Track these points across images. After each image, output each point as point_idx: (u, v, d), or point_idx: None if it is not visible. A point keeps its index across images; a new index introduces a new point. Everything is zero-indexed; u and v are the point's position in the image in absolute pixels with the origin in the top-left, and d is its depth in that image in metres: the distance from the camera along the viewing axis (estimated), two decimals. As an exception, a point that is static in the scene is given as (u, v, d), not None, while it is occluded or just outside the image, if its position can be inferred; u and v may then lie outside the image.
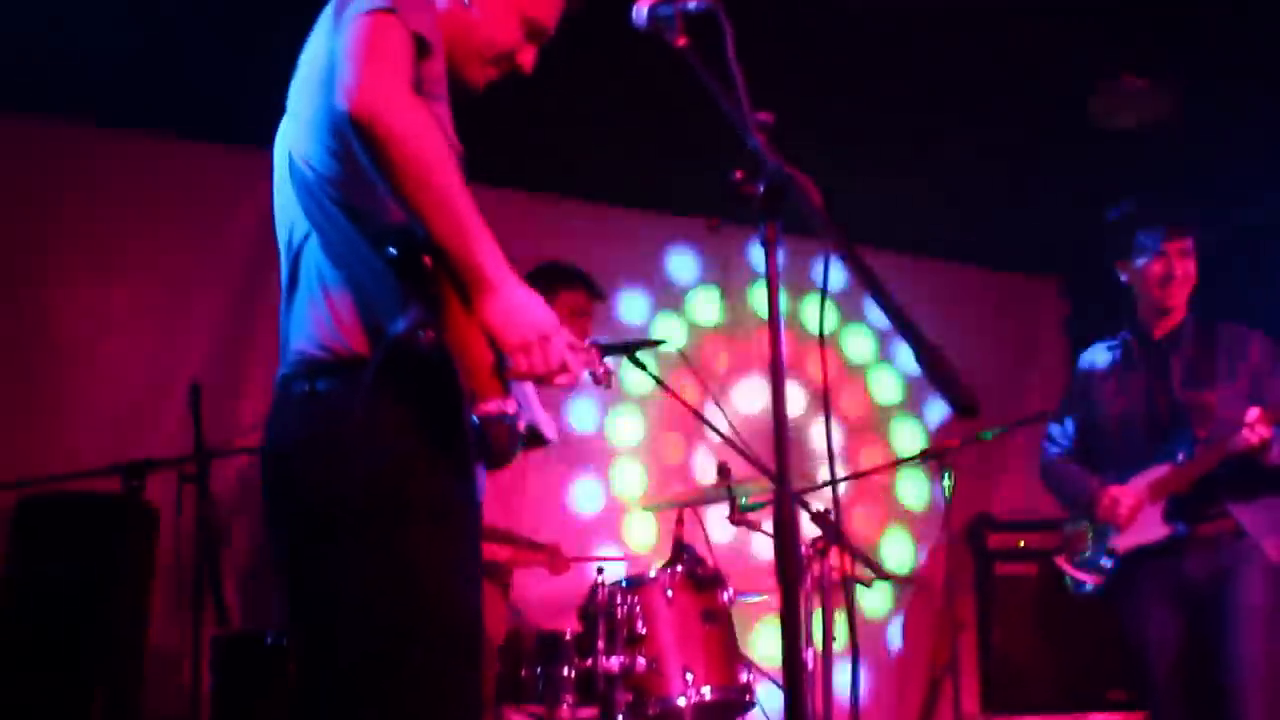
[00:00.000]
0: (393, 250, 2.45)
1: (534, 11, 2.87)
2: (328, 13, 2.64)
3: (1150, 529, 4.81)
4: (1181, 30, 5.83)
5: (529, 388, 2.60)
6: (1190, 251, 4.92)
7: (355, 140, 2.38)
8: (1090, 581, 4.97)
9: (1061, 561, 5.11)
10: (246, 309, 6.35)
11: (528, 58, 2.92)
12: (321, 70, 2.59)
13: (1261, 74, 6.06)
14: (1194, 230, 4.95)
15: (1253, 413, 4.58)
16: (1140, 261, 4.95)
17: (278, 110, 2.80)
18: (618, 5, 2.67)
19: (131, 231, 6.25)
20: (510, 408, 2.45)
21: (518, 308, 2.48)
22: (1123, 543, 4.87)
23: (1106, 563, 4.91)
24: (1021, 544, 7.31)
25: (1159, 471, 4.82)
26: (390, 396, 2.48)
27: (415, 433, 2.50)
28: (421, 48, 2.52)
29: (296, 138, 2.68)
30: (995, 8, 5.59)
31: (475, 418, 2.43)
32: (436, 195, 2.39)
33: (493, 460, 2.51)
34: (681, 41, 2.52)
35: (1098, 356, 5.17)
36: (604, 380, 2.77)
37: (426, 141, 2.39)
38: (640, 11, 2.57)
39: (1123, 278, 5.05)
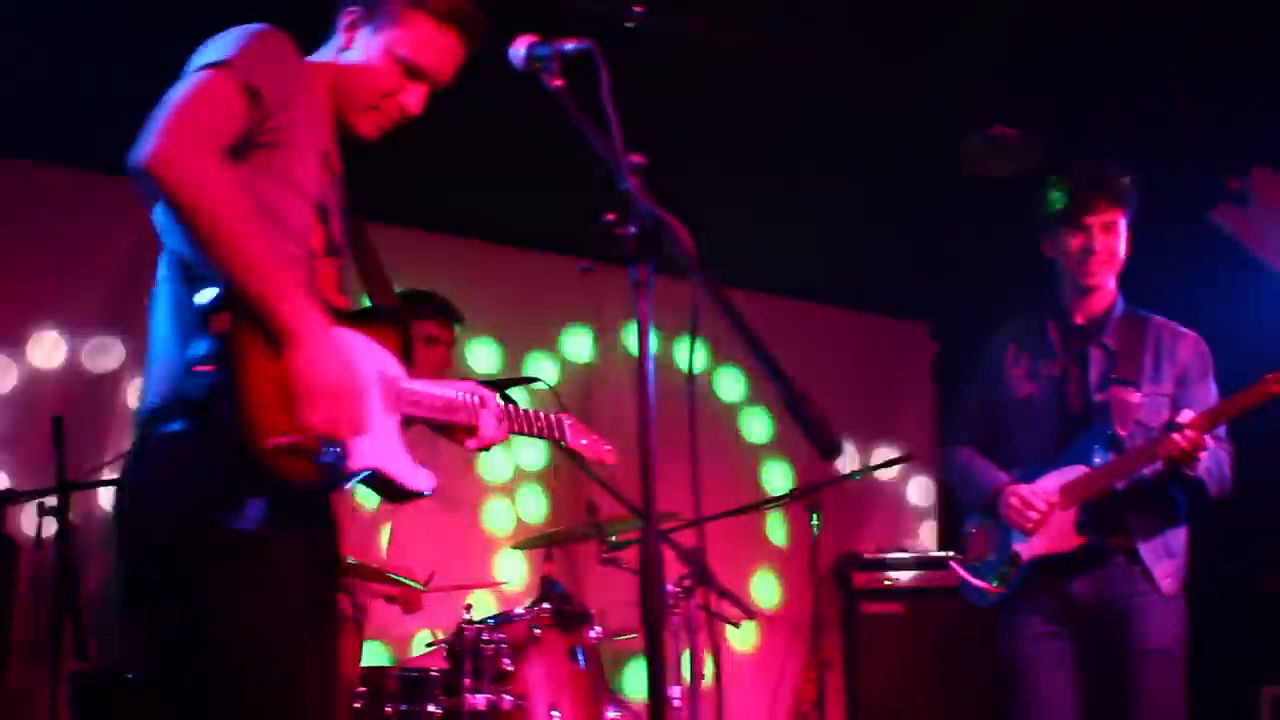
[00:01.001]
0: (199, 299, 2.51)
1: (407, 52, 2.90)
2: None
3: (1060, 538, 4.30)
4: (1051, 82, 5.99)
5: (393, 437, 2.69)
6: (1115, 226, 4.41)
7: (146, 194, 2.45)
8: (987, 590, 4.43)
9: (957, 565, 4.58)
10: (111, 341, 6.27)
11: (411, 99, 2.95)
12: None
13: (1127, 124, 6.23)
14: (1125, 204, 4.43)
15: (1186, 414, 4.11)
16: (1060, 235, 4.46)
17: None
18: (496, 40, 2.72)
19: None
20: (298, 439, 2.49)
21: (313, 363, 2.53)
22: (1029, 550, 4.35)
23: (1008, 570, 4.37)
24: (887, 582, 7.35)
25: (1073, 473, 4.33)
26: (184, 440, 2.52)
27: (212, 472, 2.51)
28: (252, 97, 2.57)
29: None
30: (868, 56, 5.71)
31: (264, 450, 2.45)
32: (226, 247, 2.45)
33: (294, 490, 2.56)
34: (558, 83, 2.54)
35: (1010, 334, 4.67)
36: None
37: (215, 194, 2.44)
38: (518, 52, 2.59)
39: (1048, 255, 4.55)
